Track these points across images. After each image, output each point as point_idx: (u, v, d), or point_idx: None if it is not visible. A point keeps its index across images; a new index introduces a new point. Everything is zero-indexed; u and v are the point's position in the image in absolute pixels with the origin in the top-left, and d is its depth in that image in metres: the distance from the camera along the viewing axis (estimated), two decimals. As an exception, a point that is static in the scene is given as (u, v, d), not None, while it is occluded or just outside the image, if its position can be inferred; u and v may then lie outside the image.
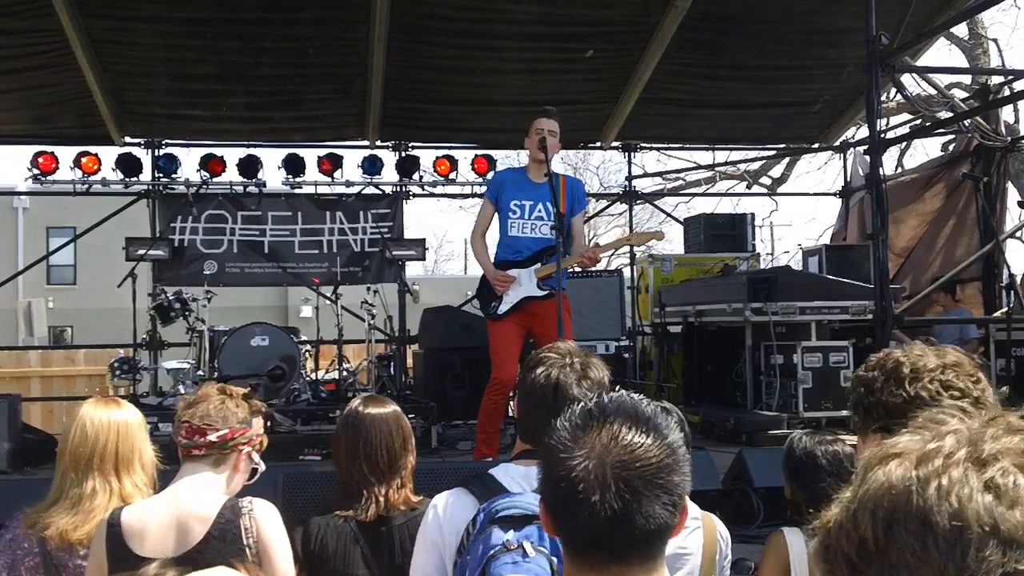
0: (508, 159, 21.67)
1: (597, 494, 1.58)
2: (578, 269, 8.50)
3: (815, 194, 18.01)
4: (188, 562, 2.50)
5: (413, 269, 28.53)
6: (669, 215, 17.07)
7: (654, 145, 15.00)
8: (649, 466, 1.61)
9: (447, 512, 2.72)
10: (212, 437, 3.14)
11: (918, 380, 2.29)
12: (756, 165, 20.09)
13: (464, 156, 12.46)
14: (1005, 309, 9.47)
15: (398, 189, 12.63)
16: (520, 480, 2.71)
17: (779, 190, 20.19)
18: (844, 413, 8.56)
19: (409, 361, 11.67)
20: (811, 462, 3.73)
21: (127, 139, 12.11)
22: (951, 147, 13.15)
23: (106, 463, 3.27)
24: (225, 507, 3.06)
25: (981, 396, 2.28)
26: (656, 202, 16.84)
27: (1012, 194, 13.90)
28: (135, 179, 11.76)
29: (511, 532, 2.32)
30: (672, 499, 1.63)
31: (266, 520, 3.09)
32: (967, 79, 16.49)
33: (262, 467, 3.34)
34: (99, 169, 11.52)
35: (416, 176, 12.54)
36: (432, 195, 13.14)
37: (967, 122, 10.40)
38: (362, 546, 3.36)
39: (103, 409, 3.38)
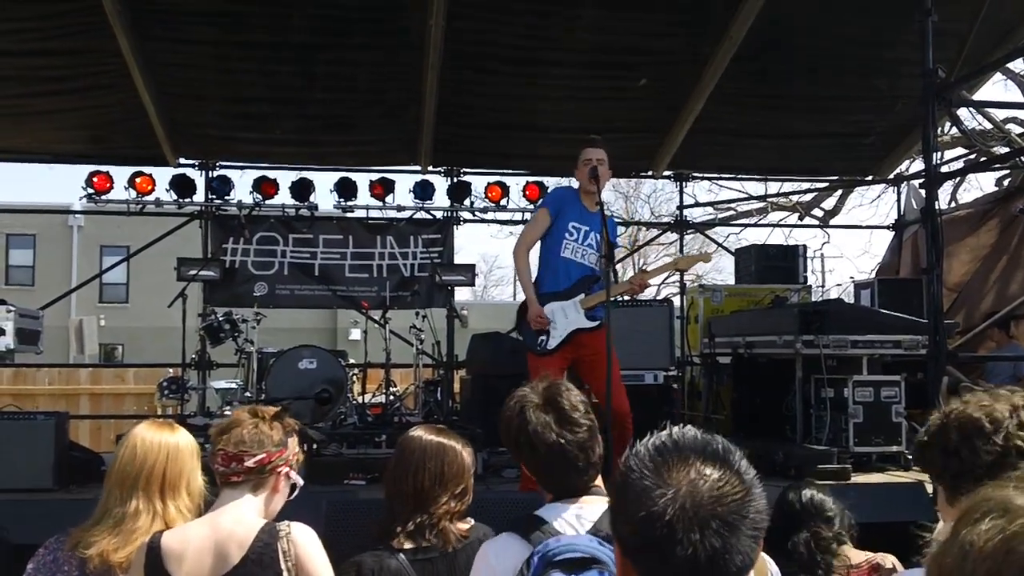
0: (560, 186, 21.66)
1: (696, 532, 1.51)
2: (626, 297, 8.43)
3: (868, 227, 17.91)
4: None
5: (462, 294, 28.63)
6: (720, 245, 16.98)
7: (706, 175, 14.97)
8: (737, 500, 1.56)
9: (499, 559, 2.71)
10: (250, 463, 3.13)
11: (1000, 430, 2.25)
12: (808, 197, 19.96)
13: (516, 182, 12.49)
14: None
15: (449, 214, 12.65)
16: (572, 521, 2.69)
17: (831, 222, 20.07)
18: (895, 448, 8.46)
19: (456, 386, 11.66)
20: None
21: (181, 160, 12.21)
22: (1006, 182, 13.00)
23: (152, 485, 3.26)
24: (262, 530, 3.04)
25: None
26: (707, 232, 16.73)
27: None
28: (188, 200, 11.89)
29: None
30: (757, 531, 1.57)
31: (305, 544, 3.06)
32: (1023, 114, 16.32)
33: (301, 483, 3.32)
34: (153, 189, 11.65)
35: (467, 202, 12.58)
36: (483, 221, 13.17)
37: (1023, 157, 10.26)
38: None
39: (155, 431, 3.38)
